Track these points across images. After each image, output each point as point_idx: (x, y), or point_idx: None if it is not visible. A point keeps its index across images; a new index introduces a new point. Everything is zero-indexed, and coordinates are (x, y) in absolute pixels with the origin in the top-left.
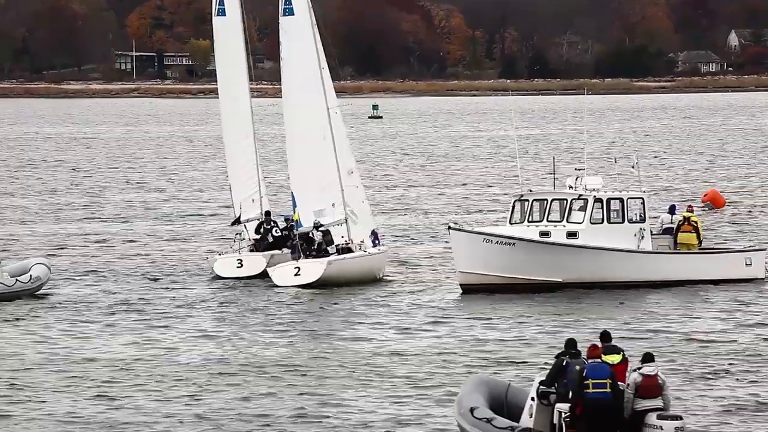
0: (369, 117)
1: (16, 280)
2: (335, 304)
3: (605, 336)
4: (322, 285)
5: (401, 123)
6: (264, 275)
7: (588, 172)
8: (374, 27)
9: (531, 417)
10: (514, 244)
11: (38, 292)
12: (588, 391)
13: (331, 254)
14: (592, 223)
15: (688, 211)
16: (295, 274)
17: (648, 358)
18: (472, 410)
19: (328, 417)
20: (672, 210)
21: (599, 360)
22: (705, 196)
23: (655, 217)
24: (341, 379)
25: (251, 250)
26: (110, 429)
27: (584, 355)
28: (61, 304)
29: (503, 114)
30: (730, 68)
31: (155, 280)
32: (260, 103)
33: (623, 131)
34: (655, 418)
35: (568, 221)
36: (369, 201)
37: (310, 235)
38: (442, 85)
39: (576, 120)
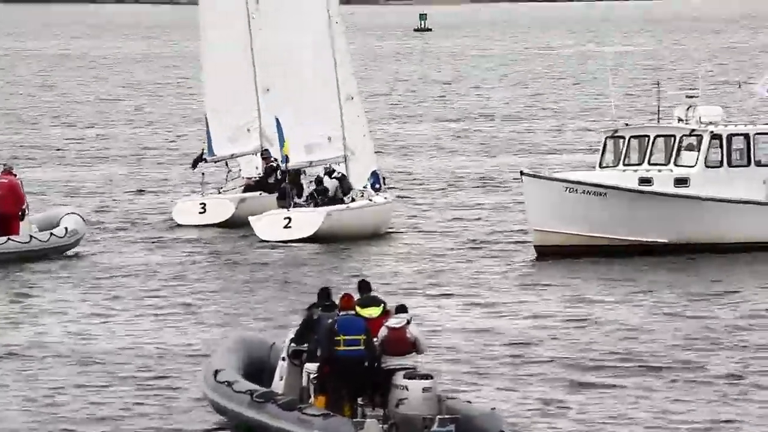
0: (415, 30)
1: (51, 234)
2: (358, 267)
3: (364, 286)
4: (320, 240)
5: (454, 37)
6: (232, 223)
7: (703, 101)
8: None
9: (281, 380)
10: (605, 194)
11: (73, 249)
12: (339, 348)
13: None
14: (708, 167)
15: None
16: (285, 226)
17: (400, 308)
18: (215, 372)
19: None
20: None
21: (352, 313)
22: None
23: None
24: None
25: (245, 191)
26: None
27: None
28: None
29: (588, 24)
30: None
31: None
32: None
33: (749, 46)
34: (401, 377)
35: (676, 164)
36: (372, 136)
37: (323, 182)
38: None
39: (686, 31)
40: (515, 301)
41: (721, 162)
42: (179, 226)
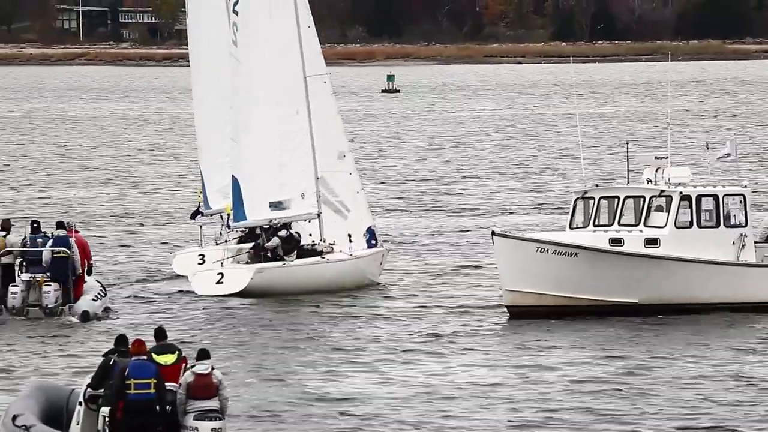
0: (382, 90)
1: (106, 290)
2: (333, 321)
3: (159, 333)
4: (253, 296)
5: (423, 97)
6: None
7: (672, 162)
8: None
9: (78, 424)
10: (576, 254)
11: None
12: (129, 392)
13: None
14: (677, 228)
15: None
16: (218, 282)
17: (202, 354)
18: (14, 417)
19: None
20: None
21: (144, 358)
22: None
23: (754, 222)
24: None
25: (239, 242)
26: None
27: None
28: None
29: (558, 87)
30: None
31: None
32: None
33: (716, 109)
34: (192, 419)
35: (646, 225)
36: (366, 192)
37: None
38: (477, 49)
39: (655, 95)
40: (486, 361)
41: (691, 223)
42: (179, 277)
